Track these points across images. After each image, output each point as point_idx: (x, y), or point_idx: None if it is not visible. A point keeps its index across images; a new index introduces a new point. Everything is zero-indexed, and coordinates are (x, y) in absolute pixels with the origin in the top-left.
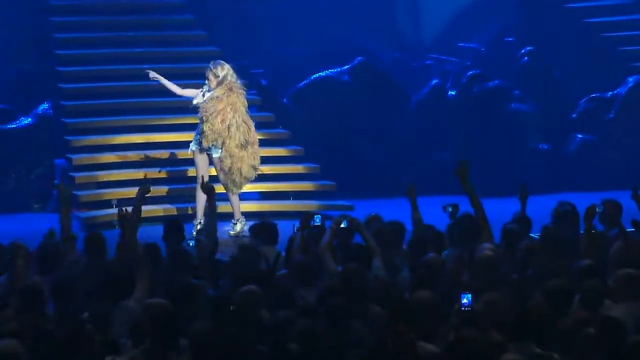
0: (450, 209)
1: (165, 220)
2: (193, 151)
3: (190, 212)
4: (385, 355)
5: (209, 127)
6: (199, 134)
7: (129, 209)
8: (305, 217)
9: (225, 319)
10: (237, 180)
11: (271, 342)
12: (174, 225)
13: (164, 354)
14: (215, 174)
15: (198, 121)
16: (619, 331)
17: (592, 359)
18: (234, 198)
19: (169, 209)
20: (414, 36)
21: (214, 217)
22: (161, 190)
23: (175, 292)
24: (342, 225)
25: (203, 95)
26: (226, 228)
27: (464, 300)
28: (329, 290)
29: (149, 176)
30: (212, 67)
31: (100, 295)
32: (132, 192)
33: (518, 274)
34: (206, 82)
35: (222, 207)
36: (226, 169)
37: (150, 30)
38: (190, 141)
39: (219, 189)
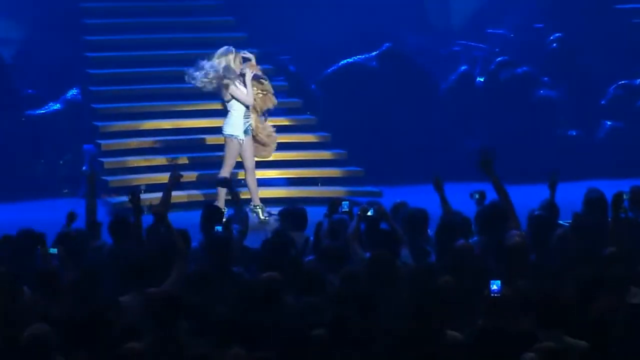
0: (477, 196)
1: (204, 205)
2: (243, 140)
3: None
4: (413, 342)
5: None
6: (246, 122)
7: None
8: (333, 203)
9: (248, 304)
10: (273, 145)
11: (298, 328)
12: (214, 211)
13: (175, 339)
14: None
15: (234, 110)
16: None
17: (619, 346)
18: (254, 183)
19: (195, 195)
20: (442, 22)
21: (242, 204)
22: (190, 176)
23: (210, 278)
24: (369, 214)
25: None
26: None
27: (494, 287)
28: (354, 276)
29: (178, 162)
30: (239, 52)
31: (126, 280)
32: (161, 177)
33: (547, 261)
34: (238, 66)
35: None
36: (263, 139)
37: (178, 16)
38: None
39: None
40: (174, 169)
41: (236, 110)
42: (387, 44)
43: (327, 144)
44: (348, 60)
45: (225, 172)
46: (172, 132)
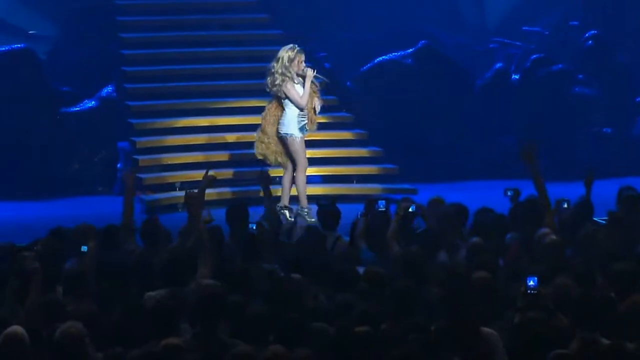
0: (511, 193)
1: (230, 203)
2: (300, 137)
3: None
4: (448, 339)
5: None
6: (302, 120)
7: (195, 191)
8: (369, 202)
9: (279, 302)
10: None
11: (332, 325)
12: (239, 209)
13: (216, 337)
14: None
15: (288, 108)
16: None
17: None
18: (289, 184)
19: (232, 192)
20: (478, 20)
21: (274, 202)
22: (226, 173)
23: (239, 275)
24: (410, 210)
25: (298, 84)
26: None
27: (530, 283)
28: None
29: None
30: (302, 50)
31: (160, 279)
32: (196, 175)
33: (582, 258)
34: (298, 67)
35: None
36: None
37: (214, 14)
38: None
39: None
40: (207, 170)
41: (290, 109)
42: (423, 41)
43: (362, 141)
44: (384, 57)
45: (300, 172)
46: (207, 129)
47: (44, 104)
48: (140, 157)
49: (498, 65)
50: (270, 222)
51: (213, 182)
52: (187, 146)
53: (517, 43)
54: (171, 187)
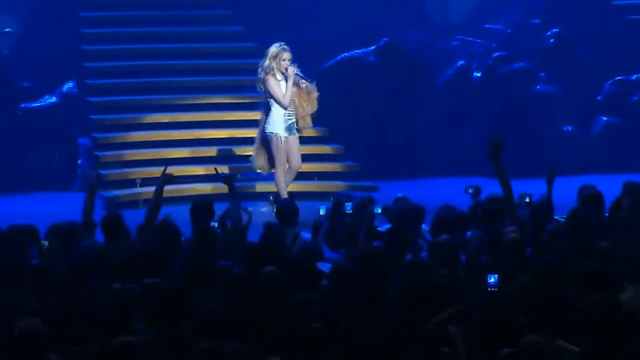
0: (471, 191)
1: (194, 200)
2: (284, 138)
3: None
4: (408, 336)
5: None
6: (289, 119)
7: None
8: (336, 204)
9: (244, 298)
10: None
11: (292, 322)
12: (203, 205)
13: (175, 334)
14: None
15: (274, 107)
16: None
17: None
18: (284, 182)
19: (199, 188)
20: (441, 17)
21: (238, 200)
22: (189, 170)
23: (196, 271)
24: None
25: (285, 79)
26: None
27: (491, 280)
28: (347, 272)
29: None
30: (289, 49)
31: (117, 275)
32: (157, 171)
33: (543, 256)
34: (280, 64)
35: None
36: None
37: (175, 9)
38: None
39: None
40: (165, 167)
41: (275, 108)
42: (385, 39)
43: (324, 138)
44: (346, 54)
45: (277, 170)
46: (168, 125)
47: (4, 99)
48: (101, 154)
49: (460, 62)
50: (233, 220)
51: (170, 179)
52: (148, 142)
53: (479, 41)
54: (132, 183)
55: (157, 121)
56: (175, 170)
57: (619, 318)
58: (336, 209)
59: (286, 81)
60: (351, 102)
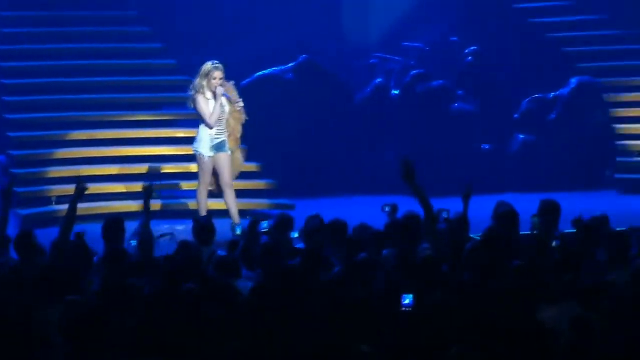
0: (388, 209)
1: (106, 218)
2: (209, 157)
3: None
4: (323, 356)
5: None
6: (216, 139)
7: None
8: (252, 223)
9: (159, 315)
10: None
11: (209, 340)
12: (113, 224)
13: (91, 352)
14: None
15: (201, 125)
16: (548, 334)
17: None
18: (230, 201)
19: (114, 206)
20: (359, 35)
21: (149, 217)
22: (104, 187)
23: (109, 290)
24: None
25: (214, 98)
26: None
27: (406, 301)
28: (262, 290)
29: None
30: (221, 68)
31: (33, 293)
32: (73, 189)
33: (459, 274)
34: (211, 83)
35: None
36: (239, 161)
37: (94, 26)
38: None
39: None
40: (79, 182)
41: (202, 126)
42: (304, 56)
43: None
44: (264, 72)
45: (200, 188)
46: (86, 143)
47: None
48: (17, 171)
49: (378, 80)
50: (143, 238)
51: (84, 191)
52: (65, 160)
53: (397, 58)
54: (48, 201)
55: (74, 139)
56: (100, 187)
57: (536, 335)
58: (252, 227)
59: (215, 100)
60: (269, 120)
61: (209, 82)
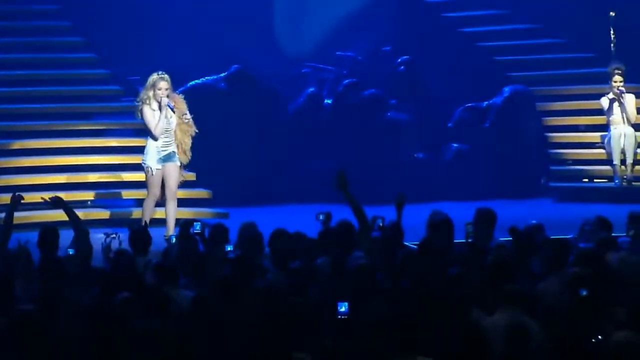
0: (322, 217)
1: (42, 227)
2: (156, 170)
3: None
4: None
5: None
6: (163, 151)
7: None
8: (184, 224)
9: (97, 326)
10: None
11: (145, 349)
12: (47, 233)
13: None
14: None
15: (149, 138)
16: (483, 342)
17: None
18: (170, 212)
19: (50, 215)
20: (292, 45)
21: (84, 226)
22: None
23: (45, 300)
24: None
25: (160, 109)
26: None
27: (342, 309)
28: (204, 299)
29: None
30: (167, 78)
31: None
32: (4, 198)
33: (393, 282)
34: (156, 94)
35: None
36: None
37: (27, 36)
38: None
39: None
40: (15, 193)
41: (149, 138)
42: (236, 66)
43: None
44: (196, 81)
45: (147, 199)
46: (18, 152)
47: None
48: None
49: (310, 89)
50: (80, 247)
51: (19, 202)
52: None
53: (330, 68)
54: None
55: (6, 148)
56: (35, 196)
57: (472, 343)
58: (185, 229)
59: (160, 111)
60: (202, 129)
61: (154, 92)
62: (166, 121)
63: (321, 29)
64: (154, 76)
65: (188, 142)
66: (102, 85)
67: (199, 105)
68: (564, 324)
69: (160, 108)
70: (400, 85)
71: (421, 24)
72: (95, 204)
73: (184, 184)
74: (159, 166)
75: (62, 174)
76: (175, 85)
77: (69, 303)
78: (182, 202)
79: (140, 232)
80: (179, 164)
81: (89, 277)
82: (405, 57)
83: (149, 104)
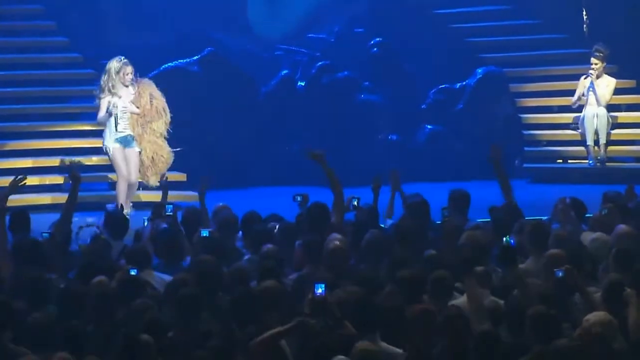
0: (300, 199)
1: (12, 211)
2: (113, 149)
3: None
4: (234, 345)
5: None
6: (120, 133)
7: None
8: (157, 207)
9: (73, 309)
10: (160, 168)
11: (122, 333)
12: (21, 216)
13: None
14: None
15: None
16: (462, 321)
17: (436, 349)
18: (121, 192)
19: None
20: (265, 27)
21: (72, 209)
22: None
23: (21, 284)
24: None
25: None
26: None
27: (319, 290)
28: (179, 281)
29: None
30: (128, 64)
31: None
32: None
33: (368, 264)
34: (124, 79)
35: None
36: (149, 159)
37: (7, 37)
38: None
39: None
40: (17, 176)
41: (107, 123)
42: (209, 49)
43: None
44: (169, 64)
45: (119, 180)
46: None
47: None
48: None
49: (283, 72)
50: (59, 230)
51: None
52: None
53: (303, 50)
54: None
55: None
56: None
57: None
58: (157, 211)
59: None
60: (175, 113)
61: (122, 78)
62: (121, 105)
63: (293, 11)
64: (115, 63)
65: (158, 126)
66: (75, 69)
67: (172, 88)
68: (542, 304)
69: (117, 92)
70: (373, 67)
71: (393, 5)
72: (67, 187)
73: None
74: (117, 145)
75: (41, 157)
76: (148, 69)
77: (44, 287)
78: (156, 186)
79: (116, 217)
80: (137, 150)
81: (67, 261)
82: (379, 39)
83: (115, 92)
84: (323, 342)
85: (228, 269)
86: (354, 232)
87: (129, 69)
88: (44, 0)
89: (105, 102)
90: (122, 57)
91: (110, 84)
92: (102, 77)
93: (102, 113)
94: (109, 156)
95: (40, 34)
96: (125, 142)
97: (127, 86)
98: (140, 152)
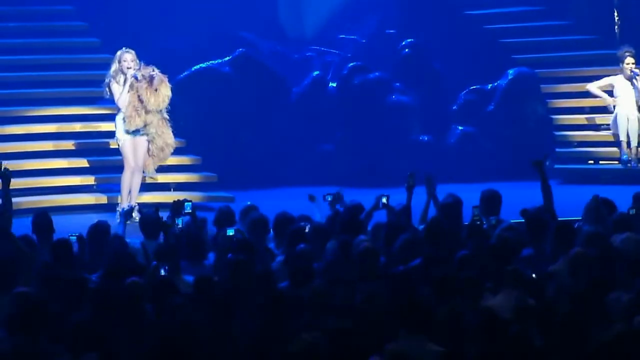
0: (330, 198)
1: (35, 212)
2: (124, 141)
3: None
4: (267, 346)
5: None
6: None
7: None
8: (176, 205)
9: (107, 310)
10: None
11: (155, 334)
12: (42, 217)
13: (35, 345)
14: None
15: (119, 112)
16: (496, 322)
17: (471, 349)
18: (134, 185)
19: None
20: (296, 28)
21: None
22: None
23: (56, 283)
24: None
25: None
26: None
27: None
28: (208, 281)
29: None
30: (132, 52)
31: None
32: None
33: (401, 265)
34: (121, 65)
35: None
36: (158, 148)
37: (28, 21)
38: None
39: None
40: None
41: (118, 113)
42: (241, 49)
43: (181, 149)
44: (201, 65)
45: (125, 172)
46: (23, 137)
47: None
48: None
49: (315, 73)
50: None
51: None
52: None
53: (334, 51)
54: None
55: (12, 133)
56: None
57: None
58: (176, 209)
59: (124, 84)
60: (207, 113)
61: (121, 65)
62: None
63: (325, 12)
64: (118, 52)
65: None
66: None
67: (204, 89)
68: (570, 306)
69: (125, 81)
70: (404, 68)
71: (425, 6)
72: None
73: (188, 168)
74: (127, 137)
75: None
76: (180, 70)
77: (77, 287)
78: (188, 186)
79: (149, 217)
80: (146, 137)
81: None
82: (410, 39)
83: (117, 80)
84: (357, 342)
85: (258, 270)
86: (387, 233)
87: (128, 56)
88: (77, 1)
89: (116, 86)
90: (126, 47)
91: (112, 72)
92: (111, 66)
93: (117, 95)
94: (119, 145)
95: (71, 35)
96: (136, 131)
97: (124, 73)
98: (149, 142)
